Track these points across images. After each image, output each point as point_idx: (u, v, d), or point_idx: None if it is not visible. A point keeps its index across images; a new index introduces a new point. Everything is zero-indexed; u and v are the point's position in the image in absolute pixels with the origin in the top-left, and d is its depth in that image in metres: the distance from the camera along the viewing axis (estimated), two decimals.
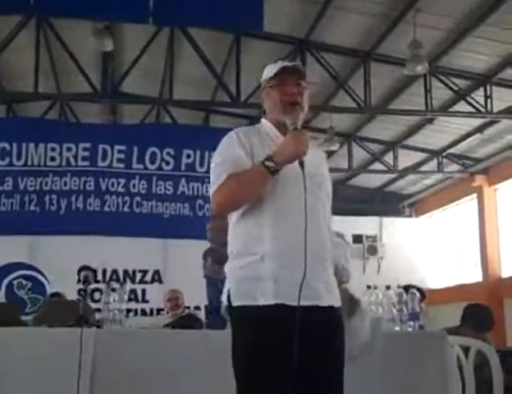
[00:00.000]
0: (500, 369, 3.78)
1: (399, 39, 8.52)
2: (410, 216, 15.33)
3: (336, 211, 11.18)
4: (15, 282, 6.16)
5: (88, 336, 3.01)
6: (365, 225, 14.52)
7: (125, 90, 10.46)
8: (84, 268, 3.45)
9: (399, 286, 3.73)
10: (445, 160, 12.50)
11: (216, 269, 4.59)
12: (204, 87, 10.44)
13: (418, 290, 5.38)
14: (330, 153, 12.54)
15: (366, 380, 3.15)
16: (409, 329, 3.36)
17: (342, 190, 15.18)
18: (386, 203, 15.16)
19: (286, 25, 9.04)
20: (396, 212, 15.31)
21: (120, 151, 6.58)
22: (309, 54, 9.27)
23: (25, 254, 6.57)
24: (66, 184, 6.48)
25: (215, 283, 4.54)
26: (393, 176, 13.87)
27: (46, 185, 6.43)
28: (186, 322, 3.38)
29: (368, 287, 3.72)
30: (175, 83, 10.42)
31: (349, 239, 14.44)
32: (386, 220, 14.75)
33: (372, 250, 14.41)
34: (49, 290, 6.32)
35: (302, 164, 2.37)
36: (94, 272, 4.08)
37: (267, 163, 2.36)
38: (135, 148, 6.58)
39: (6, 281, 5.98)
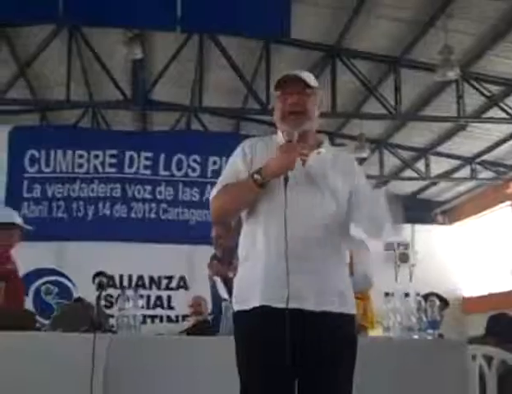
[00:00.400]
0: None
1: (429, 45, 8.45)
2: (443, 223, 15.14)
3: None
4: (42, 288, 6.24)
5: (101, 341, 3.03)
6: None
7: (155, 98, 10.54)
8: (98, 273, 3.48)
9: (418, 294, 3.65)
10: (478, 167, 12.31)
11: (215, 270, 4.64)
12: (235, 94, 10.46)
13: (440, 298, 5.32)
14: (361, 160, 12.50)
15: (381, 388, 3.10)
16: (429, 337, 3.30)
17: None
18: (419, 210, 14.95)
19: (317, 32, 9.01)
20: (429, 219, 15.13)
21: (146, 158, 6.62)
22: (339, 61, 9.24)
23: (53, 260, 6.64)
24: (93, 190, 6.55)
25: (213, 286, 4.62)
26: (425, 183, 13.72)
27: (74, 191, 6.51)
28: (200, 328, 3.38)
29: (386, 294, 3.67)
30: (205, 90, 10.46)
31: (381, 246, 14.34)
32: (419, 227, 14.56)
33: (404, 258, 14.26)
34: (76, 295, 6.39)
35: (286, 180, 2.41)
36: (110, 278, 4.13)
37: (255, 176, 2.42)
38: (162, 155, 6.61)
39: (33, 287, 6.06)
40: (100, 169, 6.62)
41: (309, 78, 2.57)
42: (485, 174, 12.60)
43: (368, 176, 13.07)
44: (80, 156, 6.62)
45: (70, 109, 10.96)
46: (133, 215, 6.51)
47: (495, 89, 9.43)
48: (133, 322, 3.26)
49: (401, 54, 8.99)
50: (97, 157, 6.63)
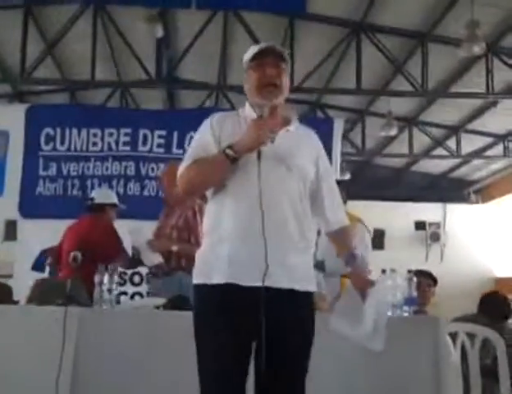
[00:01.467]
0: (505, 359, 3.67)
1: (457, 19, 8.25)
2: (476, 202, 14.91)
3: (398, 197, 11.02)
4: None
5: (72, 316, 3.06)
6: (428, 211, 14.25)
7: (181, 76, 10.55)
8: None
9: (393, 270, 3.56)
10: (511, 144, 12.07)
11: None
12: None
13: (430, 276, 5.26)
14: (390, 139, 12.36)
15: (351, 367, 3.08)
16: (405, 314, 3.25)
17: (404, 176, 14.94)
18: (451, 189, 14.79)
19: (342, 8, 8.89)
20: (462, 198, 14.92)
21: (160, 136, 6.62)
22: (365, 37, 9.11)
23: None
24: (107, 169, 6.59)
25: None
26: (457, 161, 13.50)
27: (88, 169, 6.57)
28: (176, 302, 3.37)
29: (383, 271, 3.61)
30: (231, 68, 10.44)
31: (412, 225, 14.22)
32: (450, 206, 14.41)
33: (435, 237, 14.13)
34: None
35: (259, 155, 2.40)
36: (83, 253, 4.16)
37: (227, 151, 2.40)
38: (175, 134, 6.59)
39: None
40: (114, 147, 6.65)
41: (284, 52, 2.55)
42: None
43: (398, 155, 13.15)
44: (95, 134, 6.66)
45: (99, 88, 11.06)
46: (146, 193, 6.52)
47: None
48: (108, 296, 3.26)
49: (428, 29, 8.82)
50: (111, 135, 6.66)
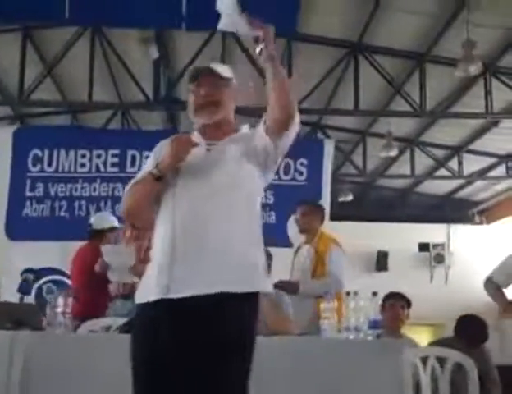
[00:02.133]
0: (477, 384, 3.60)
1: (454, 40, 8.24)
2: (481, 223, 14.78)
3: (402, 218, 10.93)
4: (44, 287, 6.29)
5: (20, 339, 3.00)
6: (432, 233, 14.10)
7: (180, 97, 10.56)
8: (26, 270, 3.48)
9: (374, 293, 3.48)
10: None
11: None
12: (261, 93, 10.41)
13: (403, 297, 5.19)
14: (392, 160, 12.31)
15: (308, 389, 3.01)
16: (369, 338, 3.18)
17: (408, 197, 14.86)
18: (455, 210, 14.67)
19: (338, 29, 8.91)
20: (466, 219, 14.80)
21: (147, 157, 6.59)
22: (363, 57, 9.11)
23: (56, 259, 6.67)
24: (95, 190, 6.60)
25: None
26: (460, 182, 13.42)
27: (76, 190, 6.57)
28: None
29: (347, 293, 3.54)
30: None
31: (415, 247, 14.08)
32: (455, 227, 14.26)
33: (440, 259, 13.97)
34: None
35: (177, 170, 2.41)
36: (36, 273, 4.16)
37: (153, 170, 2.43)
38: None
39: (36, 286, 6.12)
40: (102, 168, 6.67)
41: (223, 70, 2.58)
42: None
43: (400, 176, 13.06)
44: (83, 155, 6.68)
45: (100, 110, 11.10)
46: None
47: None
48: (62, 319, 3.20)
49: (426, 50, 8.81)
50: (99, 156, 6.68)
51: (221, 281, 2.27)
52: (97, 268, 4.58)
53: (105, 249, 4.68)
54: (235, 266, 2.32)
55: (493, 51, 8.58)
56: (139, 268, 4.53)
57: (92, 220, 5.40)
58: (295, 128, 2.50)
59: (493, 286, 3.98)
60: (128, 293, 4.47)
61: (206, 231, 2.32)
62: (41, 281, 6.18)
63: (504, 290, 4.03)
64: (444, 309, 12.43)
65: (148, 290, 2.36)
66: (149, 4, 5.50)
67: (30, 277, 3.53)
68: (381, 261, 13.99)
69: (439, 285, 13.89)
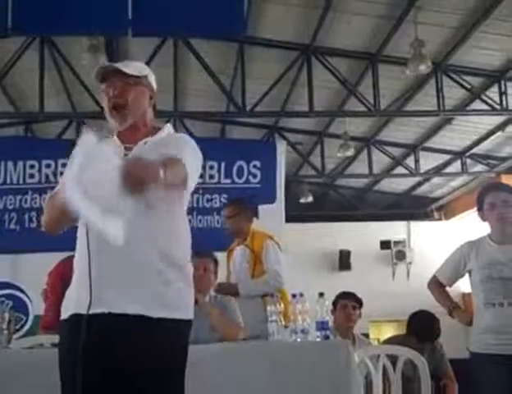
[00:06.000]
0: (428, 381, 3.63)
1: (404, 39, 8.33)
2: (440, 219, 14.96)
3: (363, 217, 10.99)
4: None
5: None
6: (393, 230, 14.22)
7: None
8: None
9: (321, 294, 3.51)
10: (469, 161, 12.15)
11: None
12: (216, 98, 10.40)
13: (354, 297, 5.21)
14: (350, 159, 12.40)
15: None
16: (318, 339, 3.18)
17: (368, 196, 14.98)
18: (414, 207, 14.84)
19: (290, 32, 8.93)
20: (425, 216, 14.96)
21: None
22: (316, 59, 9.16)
23: (7, 272, 6.57)
24: (45, 201, 6.46)
25: None
26: (418, 179, 13.57)
27: (25, 202, 6.46)
28: None
29: (294, 296, 3.54)
30: (186, 94, 10.43)
31: (377, 245, 14.19)
32: (414, 224, 14.41)
33: (401, 256, 14.09)
34: (31, 308, 6.33)
35: None
36: None
37: None
38: None
39: None
40: (52, 179, 6.55)
41: (130, 68, 2.45)
42: (477, 167, 12.44)
43: (358, 175, 13.16)
44: (31, 166, 6.57)
45: (54, 120, 10.97)
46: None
47: (475, 80, 9.31)
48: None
49: (377, 50, 8.89)
50: (48, 166, 6.57)
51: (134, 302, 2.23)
52: None
53: None
54: (147, 287, 2.27)
55: (442, 49, 8.69)
56: None
57: None
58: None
59: (437, 285, 3.92)
60: None
61: (120, 249, 2.16)
62: None
63: (448, 289, 3.98)
64: (407, 305, 12.38)
65: (68, 306, 2.34)
66: (95, 10, 5.42)
67: None
68: (344, 260, 14.07)
69: (401, 281, 14.00)
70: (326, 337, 3.19)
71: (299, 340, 3.16)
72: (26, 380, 2.92)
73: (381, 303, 11.94)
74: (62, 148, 6.77)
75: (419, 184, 14.14)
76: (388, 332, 12.91)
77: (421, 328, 5.09)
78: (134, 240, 2.19)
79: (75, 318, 2.25)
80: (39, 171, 6.55)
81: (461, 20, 8.05)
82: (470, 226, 14.35)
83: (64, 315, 2.34)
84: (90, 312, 2.20)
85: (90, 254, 2.26)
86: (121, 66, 2.43)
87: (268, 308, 3.39)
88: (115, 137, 2.43)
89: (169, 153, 2.26)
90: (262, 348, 2.98)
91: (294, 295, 3.29)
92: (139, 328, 2.21)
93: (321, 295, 3.27)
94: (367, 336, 6.83)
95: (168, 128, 2.53)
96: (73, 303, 2.31)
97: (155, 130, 2.50)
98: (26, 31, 6.32)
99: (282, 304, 3.46)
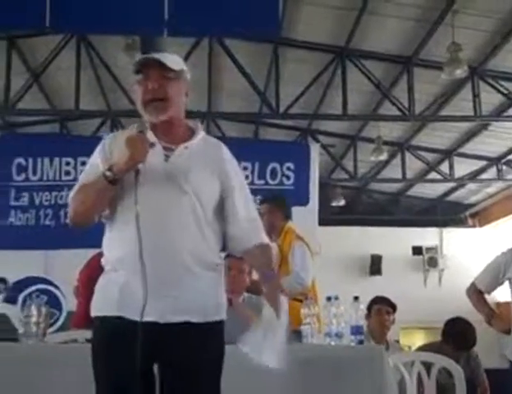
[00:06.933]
0: (464, 389, 3.56)
1: (440, 43, 8.23)
2: (474, 226, 14.75)
3: (395, 222, 10.85)
4: (32, 296, 6.23)
5: None
6: (425, 236, 14.08)
7: None
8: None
9: (356, 298, 3.44)
10: (504, 167, 11.97)
11: None
12: (249, 99, 10.39)
13: (388, 302, 5.14)
14: (383, 164, 12.30)
15: None
16: (352, 344, 3.14)
17: (400, 201, 14.85)
18: (448, 213, 14.65)
19: (326, 33, 8.89)
20: (459, 222, 14.76)
21: None
22: (350, 62, 9.10)
23: (41, 268, 6.64)
24: (73, 194, 6.49)
25: None
26: (452, 185, 13.41)
27: (61, 199, 6.49)
28: None
29: (306, 299, 3.51)
30: (219, 95, 10.44)
31: (409, 251, 14.04)
32: (447, 231, 14.25)
33: (433, 262, 13.95)
34: (64, 304, 6.38)
35: (137, 173, 2.27)
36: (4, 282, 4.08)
37: (106, 173, 2.26)
38: None
39: (22, 296, 6.05)
40: None
41: (172, 61, 2.37)
42: None
43: (391, 180, 13.06)
44: (67, 163, 6.61)
45: (89, 118, 11.07)
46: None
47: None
48: (35, 330, 3.13)
49: (412, 53, 8.79)
50: (84, 164, 6.57)
51: (202, 309, 2.28)
52: None
53: None
54: (210, 293, 2.33)
55: (479, 54, 8.56)
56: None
57: None
58: None
59: (475, 293, 3.85)
60: None
61: (175, 248, 2.25)
62: (28, 291, 6.13)
63: (487, 296, 3.92)
64: (438, 313, 12.32)
65: (110, 304, 2.28)
66: (130, 9, 5.42)
67: (0, 286, 3.46)
68: (374, 265, 13.98)
69: (433, 288, 13.87)
70: (361, 342, 3.15)
71: (333, 343, 3.13)
72: (62, 374, 2.94)
73: (413, 309, 11.79)
74: (97, 145, 6.83)
75: (453, 190, 13.97)
76: (419, 338, 12.78)
77: (457, 336, 5.00)
78: (180, 248, 2.25)
79: (126, 322, 2.22)
80: (75, 168, 6.59)
81: (498, 25, 7.92)
82: (505, 233, 14.18)
83: (109, 311, 2.28)
84: (143, 319, 2.18)
85: (142, 253, 2.21)
86: (161, 57, 2.35)
87: (302, 311, 3.36)
88: (149, 131, 2.37)
89: (229, 184, 2.40)
90: (296, 350, 2.95)
91: (329, 298, 3.25)
92: (186, 334, 2.24)
93: (355, 298, 3.23)
94: (397, 342, 6.74)
95: (201, 128, 2.50)
96: (122, 303, 2.25)
97: (190, 131, 2.47)
98: (64, 29, 6.37)
99: (317, 307, 3.43)
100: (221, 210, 2.42)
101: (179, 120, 2.44)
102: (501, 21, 7.84)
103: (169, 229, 2.25)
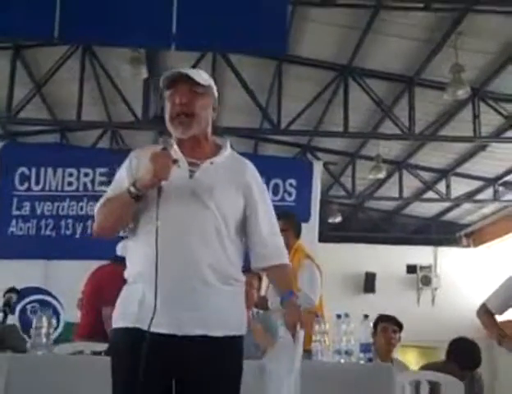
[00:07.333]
0: None
1: (443, 64, 8.31)
2: (468, 246, 14.82)
3: (390, 240, 10.92)
4: (28, 307, 6.21)
5: (1, 361, 2.94)
6: (419, 255, 14.12)
7: None
8: (9, 290, 3.40)
9: (366, 316, 3.48)
10: (501, 188, 12.04)
11: None
12: (250, 114, 10.43)
13: (395, 321, 5.16)
14: (381, 182, 12.35)
15: None
16: (361, 362, 3.15)
17: (396, 219, 14.90)
18: (443, 232, 14.72)
19: (329, 51, 8.96)
20: (453, 242, 14.83)
21: None
22: (352, 80, 9.16)
23: (40, 278, 6.60)
24: (82, 209, 6.55)
25: None
26: (448, 204, 13.48)
27: (62, 209, 6.51)
28: None
29: (317, 316, 3.53)
30: (221, 110, 10.40)
31: (403, 269, 14.07)
32: (442, 250, 14.30)
33: (427, 281, 13.99)
34: (62, 315, 6.36)
35: (159, 189, 2.28)
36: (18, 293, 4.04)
37: (131, 188, 2.29)
38: None
39: (20, 306, 6.04)
40: (90, 187, 6.62)
41: (200, 76, 2.40)
42: (509, 195, 12.32)
43: (388, 198, 13.11)
44: (70, 174, 6.64)
45: (89, 129, 11.07)
46: (121, 233, 6.44)
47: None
48: (45, 340, 3.13)
49: (414, 73, 8.87)
50: (86, 175, 6.64)
51: (221, 323, 2.30)
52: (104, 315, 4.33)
53: None
54: (220, 309, 2.31)
55: (481, 75, 8.64)
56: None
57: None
58: None
59: (486, 314, 3.84)
60: None
61: (196, 263, 2.27)
62: (25, 301, 6.11)
63: (497, 317, 3.91)
64: (431, 331, 12.41)
65: (129, 315, 2.30)
66: (139, 23, 5.47)
67: (13, 297, 3.47)
68: (369, 282, 13.99)
69: (426, 307, 13.89)
70: (370, 360, 3.16)
71: (342, 361, 3.14)
72: (71, 385, 2.93)
73: (406, 327, 11.74)
74: (101, 157, 6.88)
75: (449, 209, 14.04)
76: (411, 356, 12.77)
77: (462, 355, 5.01)
78: (199, 261, 2.26)
79: (136, 332, 2.24)
80: (78, 179, 6.63)
81: (501, 47, 8.01)
82: (499, 254, 14.24)
83: (128, 322, 2.30)
84: (152, 330, 2.19)
85: (158, 266, 2.22)
86: (190, 73, 2.38)
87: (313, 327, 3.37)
88: (175, 146, 2.38)
89: (253, 201, 2.44)
90: (306, 367, 2.95)
91: (339, 316, 3.26)
92: (204, 348, 2.25)
93: (365, 316, 3.24)
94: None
95: (228, 145, 2.51)
96: (139, 315, 2.27)
97: (216, 147, 2.48)
98: (72, 40, 6.41)
99: (328, 324, 3.44)
100: (244, 226, 2.44)
101: (205, 136, 2.46)
102: (503, 45, 7.93)
103: (189, 243, 2.27)
